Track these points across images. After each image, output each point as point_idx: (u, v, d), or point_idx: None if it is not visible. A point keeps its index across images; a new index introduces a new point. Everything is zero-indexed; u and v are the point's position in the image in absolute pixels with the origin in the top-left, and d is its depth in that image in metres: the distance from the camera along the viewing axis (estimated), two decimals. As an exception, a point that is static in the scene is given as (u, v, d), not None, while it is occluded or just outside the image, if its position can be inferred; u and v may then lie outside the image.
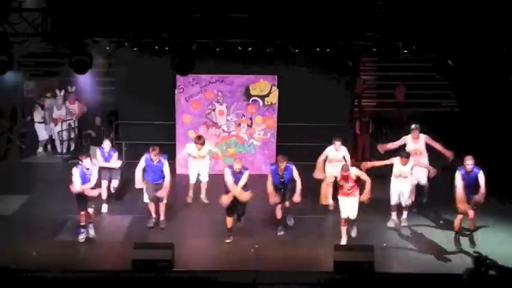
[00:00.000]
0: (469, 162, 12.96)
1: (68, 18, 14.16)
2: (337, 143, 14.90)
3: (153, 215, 14.22)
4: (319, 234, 13.85)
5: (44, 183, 16.66)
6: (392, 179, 14.02)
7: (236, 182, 13.30)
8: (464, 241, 13.19)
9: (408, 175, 13.89)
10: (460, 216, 13.04)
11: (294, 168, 13.66)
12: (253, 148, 18.39)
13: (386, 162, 14.00)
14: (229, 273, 12.34)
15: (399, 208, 14.20)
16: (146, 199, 14.23)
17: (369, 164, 14.15)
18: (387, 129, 20.05)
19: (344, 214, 13.28)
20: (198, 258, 13.01)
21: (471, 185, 12.97)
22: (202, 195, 15.68)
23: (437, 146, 14.78)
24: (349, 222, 13.33)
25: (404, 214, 14.17)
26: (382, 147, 15.13)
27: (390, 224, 14.19)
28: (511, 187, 15.87)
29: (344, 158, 14.85)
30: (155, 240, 13.34)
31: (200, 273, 12.26)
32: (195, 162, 15.58)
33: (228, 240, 13.37)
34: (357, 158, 18.81)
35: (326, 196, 14.67)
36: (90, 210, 13.47)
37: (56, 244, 13.46)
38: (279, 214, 13.84)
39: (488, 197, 13.25)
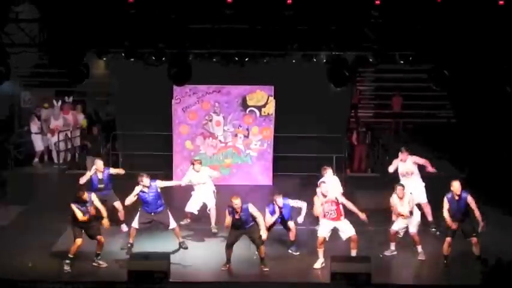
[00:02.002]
0: (456, 187, 12.71)
1: (64, 28, 14.14)
2: (329, 171, 14.41)
3: (131, 240, 13.47)
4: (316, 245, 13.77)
5: (40, 194, 16.61)
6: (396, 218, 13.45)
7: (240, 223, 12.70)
8: (454, 265, 12.92)
9: (408, 214, 13.23)
10: (448, 240, 12.83)
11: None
12: (250, 159, 18.38)
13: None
14: (226, 285, 12.30)
15: (413, 241, 13.42)
16: (135, 224, 13.44)
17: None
18: (384, 140, 20.04)
19: (322, 233, 12.89)
20: (194, 270, 12.94)
21: (460, 210, 12.71)
22: (212, 224, 14.58)
23: (423, 162, 14.63)
24: (354, 241, 12.88)
25: (419, 248, 13.29)
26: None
27: (387, 253, 13.53)
28: (508, 197, 15.84)
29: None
30: (151, 251, 13.29)
31: (196, 284, 12.21)
32: (197, 190, 14.64)
33: (223, 268, 12.79)
34: (352, 169, 18.85)
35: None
36: (100, 239, 12.87)
37: (52, 255, 13.40)
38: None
39: (485, 209, 13.18)
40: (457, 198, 12.76)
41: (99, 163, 14.57)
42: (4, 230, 14.79)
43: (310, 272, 12.77)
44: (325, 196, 12.94)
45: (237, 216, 12.64)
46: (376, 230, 14.52)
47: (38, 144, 19.51)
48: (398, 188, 13.37)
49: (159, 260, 12.20)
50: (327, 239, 12.94)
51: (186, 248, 13.61)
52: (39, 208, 15.71)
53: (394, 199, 13.34)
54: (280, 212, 13.30)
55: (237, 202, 12.55)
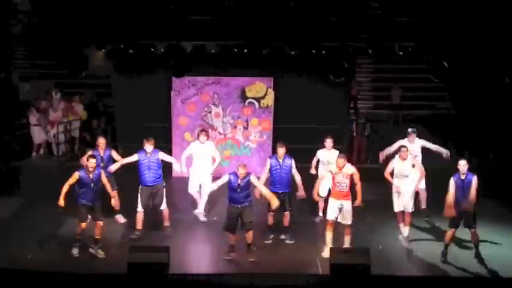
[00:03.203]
0: (462, 166, 12.66)
1: (63, 20, 14.13)
2: (329, 141, 14.58)
3: (140, 227, 13.61)
4: (316, 237, 13.80)
5: (39, 186, 16.59)
6: (394, 182, 13.58)
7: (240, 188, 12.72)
8: (452, 256, 12.90)
9: (409, 173, 13.44)
10: (452, 230, 12.77)
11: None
12: (249, 150, 18.39)
13: (391, 166, 13.57)
14: (225, 276, 12.32)
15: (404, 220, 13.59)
16: (140, 207, 13.56)
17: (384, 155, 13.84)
18: (382, 131, 20.01)
19: (330, 216, 12.82)
20: (193, 262, 12.97)
21: (466, 191, 12.61)
22: (199, 210, 14.82)
23: (433, 147, 14.68)
24: (347, 228, 12.87)
25: (406, 231, 13.56)
26: (382, 155, 14.72)
27: (404, 242, 13.54)
28: (508, 190, 15.85)
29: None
30: (151, 243, 13.30)
31: (196, 276, 12.23)
32: (198, 161, 14.57)
33: (227, 257, 12.83)
34: (352, 161, 18.83)
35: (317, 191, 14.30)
36: (100, 223, 12.90)
37: (51, 246, 13.41)
38: (270, 220, 13.67)
39: (485, 200, 13.15)
40: (462, 178, 12.64)
41: (101, 140, 14.36)
42: (3, 222, 14.80)
43: (309, 263, 12.78)
44: (340, 169, 12.80)
45: (238, 182, 12.65)
46: (375, 221, 14.55)
47: (37, 136, 19.47)
48: (403, 149, 13.44)
49: (159, 252, 12.22)
50: (339, 219, 12.82)
51: (168, 235, 13.63)
52: (38, 200, 15.70)
53: (394, 161, 13.44)
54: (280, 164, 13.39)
55: (242, 170, 12.64)
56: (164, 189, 13.76)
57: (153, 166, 13.57)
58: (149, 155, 13.54)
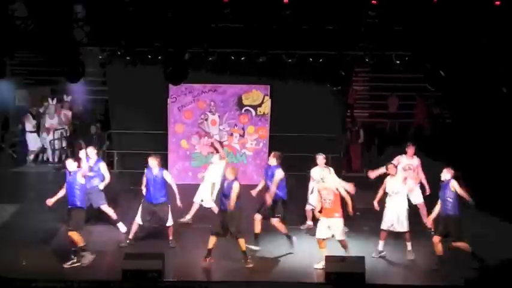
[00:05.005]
0: (444, 174, 12.69)
1: (60, 26, 14.12)
2: (320, 157, 14.43)
3: (131, 237, 13.62)
4: (311, 245, 13.76)
5: (35, 193, 16.56)
6: (387, 200, 13.39)
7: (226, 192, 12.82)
8: (450, 268, 12.79)
9: (401, 190, 13.30)
10: (435, 239, 12.78)
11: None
12: (245, 158, 18.37)
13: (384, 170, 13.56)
14: (220, 284, 12.30)
15: (403, 238, 13.38)
16: (139, 220, 13.51)
17: (373, 175, 13.75)
18: (379, 139, 20.04)
19: (318, 235, 12.75)
20: (188, 269, 12.93)
21: (446, 197, 12.65)
22: None
23: (421, 176, 14.62)
24: (344, 245, 12.80)
25: (409, 245, 13.29)
26: (372, 173, 14.16)
27: (374, 254, 13.38)
28: (501, 198, 15.84)
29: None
30: (146, 250, 13.27)
31: (190, 283, 12.20)
32: (211, 169, 15.01)
33: (205, 262, 12.83)
34: (347, 169, 18.85)
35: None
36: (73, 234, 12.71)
37: (46, 253, 13.37)
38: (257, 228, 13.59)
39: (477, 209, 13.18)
40: (444, 183, 12.72)
41: (89, 149, 14.20)
42: (-2, 228, 14.78)
43: (304, 272, 12.75)
44: (323, 180, 12.84)
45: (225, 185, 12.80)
46: (371, 229, 14.52)
47: (33, 142, 19.46)
48: (389, 166, 13.41)
49: (154, 259, 12.19)
50: (329, 237, 12.77)
51: (174, 247, 13.62)
52: (34, 207, 15.63)
53: (386, 180, 13.38)
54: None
55: (230, 174, 12.75)
56: (169, 208, 13.60)
57: (158, 184, 13.49)
58: (155, 172, 13.50)
